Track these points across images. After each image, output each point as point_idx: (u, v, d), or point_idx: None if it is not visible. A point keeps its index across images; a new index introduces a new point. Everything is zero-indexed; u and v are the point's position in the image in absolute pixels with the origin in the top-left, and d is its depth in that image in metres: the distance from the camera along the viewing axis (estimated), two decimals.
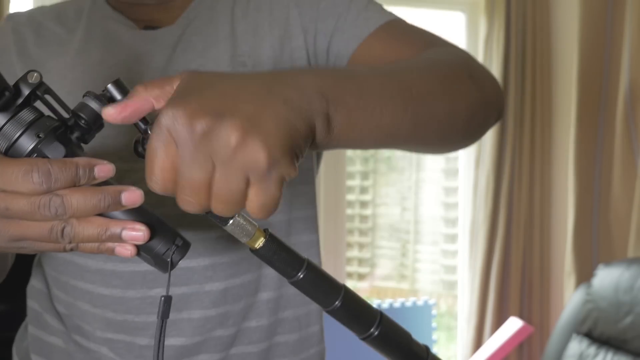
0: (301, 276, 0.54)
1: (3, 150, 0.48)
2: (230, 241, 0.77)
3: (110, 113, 0.47)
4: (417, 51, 0.74)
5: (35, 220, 0.46)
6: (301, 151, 0.46)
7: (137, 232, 0.47)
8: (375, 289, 3.82)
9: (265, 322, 0.80)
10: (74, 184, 0.46)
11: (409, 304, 2.47)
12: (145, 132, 0.50)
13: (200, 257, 0.75)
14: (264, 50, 0.79)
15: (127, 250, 0.49)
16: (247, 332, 0.80)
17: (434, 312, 2.49)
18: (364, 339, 0.58)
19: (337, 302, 0.55)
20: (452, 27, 2.77)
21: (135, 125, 0.50)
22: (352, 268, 3.72)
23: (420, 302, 2.50)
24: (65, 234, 0.46)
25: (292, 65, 0.81)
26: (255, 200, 0.44)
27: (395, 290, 3.57)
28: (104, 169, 0.47)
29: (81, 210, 0.46)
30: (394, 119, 0.56)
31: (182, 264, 0.72)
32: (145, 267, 0.73)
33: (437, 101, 0.61)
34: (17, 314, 0.91)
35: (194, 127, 0.42)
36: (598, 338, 1.96)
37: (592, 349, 1.95)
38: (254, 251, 0.53)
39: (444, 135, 0.65)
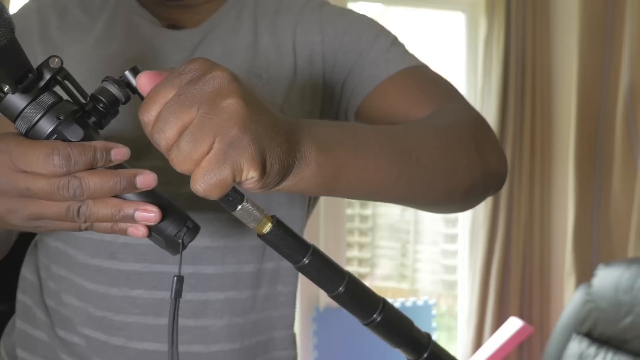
0: (306, 261, 0.55)
1: (24, 132, 0.49)
2: (235, 227, 0.78)
3: (143, 80, 0.48)
4: (432, 104, 0.74)
5: (53, 200, 0.48)
6: (264, 170, 0.47)
7: (149, 213, 0.49)
8: (375, 289, 3.80)
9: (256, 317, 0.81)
10: (92, 167, 0.48)
11: (409, 304, 2.47)
12: None
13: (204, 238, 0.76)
14: (282, 69, 0.80)
15: (139, 230, 0.51)
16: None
17: (434, 312, 2.49)
18: (367, 325, 0.59)
19: (341, 288, 0.57)
20: (452, 27, 2.77)
21: None
22: (352, 268, 3.72)
23: (420, 302, 2.50)
24: (81, 213, 0.48)
25: (306, 89, 0.80)
26: (205, 167, 0.45)
27: (395, 290, 3.58)
28: (120, 152, 0.49)
29: (98, 192, 0.48)
30: (387, 180, 0.58)
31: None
32: (129, 266, 0.75)
33: (437, 169, 0.62)
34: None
35: (199, 71, 0.46)
36: (598, 338, 1.96)
37: (592, 349, 1.95)
38: (261, 236, 0.54)
39: (438, 202, 0.66)
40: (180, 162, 0.45)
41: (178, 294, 0.52)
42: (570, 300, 2.14)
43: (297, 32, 0.82)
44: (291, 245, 0.55)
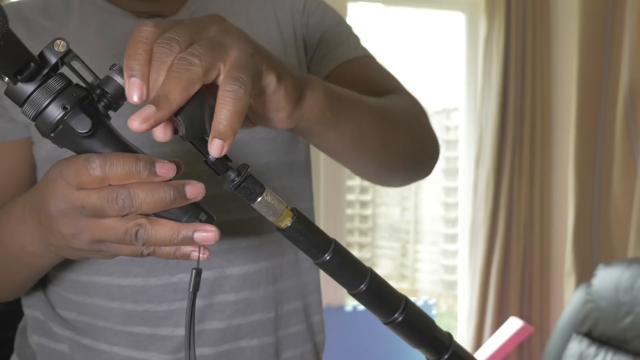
0: (327, 258, 0.54)
1: (31, 117, 0.48)
2: (250, 225, 0.78)
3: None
4: (381, 90, 0.83)
5: (107, 215, 0.48)
6: (260, 77, 0.50)
7: (209, 233, 0.49)
8: None
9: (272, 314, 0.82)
10: (137, 179, 0.47)
11: None
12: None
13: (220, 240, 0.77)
14: (270, 43, 0.81)
15: (204, 254, 0.50)
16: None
17: (434, 312, 2.49)
18: (387, 324, 0.58)
19: (362, 286, 0.55)
20: (452, 27, 2.77)
21: None
22: None
23: (420, 302, 2.50)
24: (139, 236, 0.48)
25: (294, 64, 0.84)
26: (233, 64, 0.47)
27: None
28: (165, 167, 0.48)
29: (147, 202, 0.47)
30: (369, 128, 0.67)
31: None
32: None
33: (399, 131, 0.73)
34: (16, 314, 0.90)
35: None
36: (598, 338, 1.96)
37: (592, 349, 1.95)
38: (281, 230, 0.53)
39: (389, 165, 0.77)
40: (179, 84, 0.45)
41: (197, 287, 0.51)
42: (570, 300, 2.14)
43: (275, 9, 0.86)
44: (312, 241, 0.53)
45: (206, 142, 0.48)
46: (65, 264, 0.79)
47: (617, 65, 2.34)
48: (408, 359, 2.46)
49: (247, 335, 0.79)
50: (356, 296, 0.56)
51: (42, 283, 0.82)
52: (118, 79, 0.49)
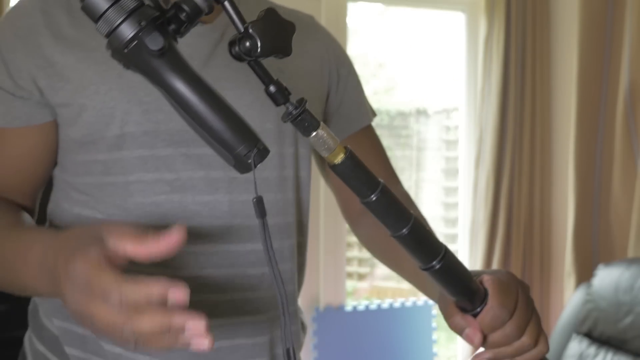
0: (374, 198, 0.56)
1: (105, 34, 0.49)
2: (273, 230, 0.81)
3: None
4: (384, 161, 1.00)
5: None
6: None
7: (198, 328, 0.50)
8: (375, 288, 3.81)
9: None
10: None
11: (409, 304, 2.47)
12: None
13: (245, 243, 0.80)
14: (298, 68, 0.87)
15: (203, 345, 0.50)
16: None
17: (434, 312, 2.49)
18: (425, 269, 0.60)
19: (404, 230, 0.57)
20: (452, 27, 2.77)
21: None
22: (352, 268, 3.72)
23: (420, 302, 2.50)
24: (127, 332, 0.50)
25: (317, 92, 0.91)
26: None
27: (395, 290, 3.57)
28: (178, 294, 0.51)
29: (147, 330, 0.50)
30: None
31: (224, 247, 0.77)
32: (197, 249, 0.78)
33: None
34: (16, 313, 0.90)
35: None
36: (598, 338, 1.96)
37: (592, 349, 1.95)
38: (332, 166, 0.55)
39: None
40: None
41: (263, 213, 0.53)
42: (570, 300, 2.14)
43: (304, 40, 0.89)
44: (361, 179, 0.55)
45: (266, 74, 0.53)
46: None
47: (617, 65, 2.34)
48: (407, 359, 2.46)
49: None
50: (398, 239, 0.58)
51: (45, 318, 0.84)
52: None
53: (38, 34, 0.78)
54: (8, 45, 0.78)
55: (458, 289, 0.62)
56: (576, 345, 2.00)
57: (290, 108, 0.54)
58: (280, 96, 0.54)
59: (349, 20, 2.45)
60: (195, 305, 0.76)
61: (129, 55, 0.50)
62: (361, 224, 0.99)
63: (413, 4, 2.67)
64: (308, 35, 0.92)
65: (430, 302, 2.50)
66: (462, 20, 2.65)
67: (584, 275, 2.33)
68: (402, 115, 3.10)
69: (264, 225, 0.53)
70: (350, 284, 3.65)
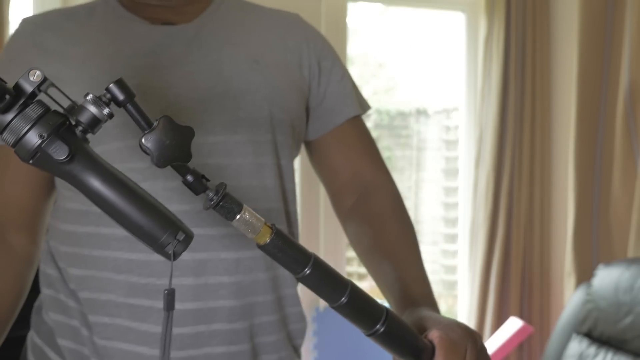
0: (307, 272, 0.55)
1: (11, 144, 0.50)
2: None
3: None
4: (373, 153, 0.98)
5: None
6: None
7: None
8: (375, 288, 3.81)
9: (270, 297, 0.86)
10: None
11: None
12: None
13: (218, 226, 0.81)
14: (275, 59, 0.91)
15: None
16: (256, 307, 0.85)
17: None
18: (369, 335, 0.58)
19: (343, 299, 0.57)
20: (452, 27, 2.76)
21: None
22: (352, 268, 3.72)
23: None
24: None
25: (296, 83, 0.92)
26: None
27: None
28: None
29: None
30: None
31: (202, 231, 0.78)
32: None
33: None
34: (21, 314, 0.91)
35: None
36: (598, 338, 1.96)
37: (592, 349, 1.95)
38: (260, 247, 0.54)
39: None
40: None
41: (170, 306, 0.53)
42: (570, 300, 2.13)
43: (286, 36, 0.94)
44: (291, 256, 0.55)
45: (181, 165, 0.53)
46: (74, 242, 0.84)
47: (617, 65, 2.34)
48: None
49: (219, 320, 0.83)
50: (337, 309, 0.59)
51: (56, 262, 0.87)
52: (91, 108, 0.51)
53: (27, 52, 0.87)
54: (3, 68, 0.88)
55: (405, 350, 0.60)
56: (576, 345, 2.00)
57: (211, 195, 0.54)
58: (198, 185, 0.54)
59: (349, 20, 2.45)
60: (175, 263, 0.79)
61: (36, 164, 0.50)
62: (349, 222, 1.01)
63: (413, 4, 2.67)
64: (290, 30, 0.96)
65: None
66: (462, 20, 2.65)
67: (584, 275, 2.33)
68: (402, 115, 3.10)
69: (168, 318, 0.54)
70: None
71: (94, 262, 0.83)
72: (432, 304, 0.81)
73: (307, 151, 1.02)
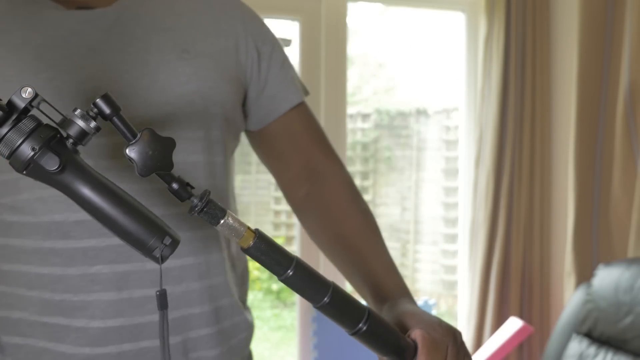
0: (290, 274, 0.57)
1: (6, 156, 0.53)
2: (184, 222, 0.78)
3: None
4: (321, 138, 0.94)
5: None
6: None
7: None
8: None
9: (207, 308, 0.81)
10: None
11: None
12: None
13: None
14: (207, 47, 0.84)
15: None
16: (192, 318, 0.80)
17: (434, 312, 2.49)
18: (353, 334, 0.60)
19: (325, 299, 0.59)
20: (452, 27, 2.77)
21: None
22: None
23: (420, 302, 2.50)
24: None
25: (232, 72, 0.85)
26: None
27: None
28: None
29: None
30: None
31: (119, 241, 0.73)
32: (85, 243, 0.74)
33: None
34: None
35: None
36: (598, 338, 1.96)
37: (592, 349, 1.95)
38: (244, 250, 0.57)
39: None
40: None
41: (164, 306, 0.56)
42: (570, 300, 2.14)
43: (220, 18, 0.86)
44: (274, 259, 0.57)
45: (166, 174, 0.56)
46: None
47: (617, 65, 2.34)
48: None
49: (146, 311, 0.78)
50: (320, 309, 0.60)
51: None
52: (79, 122, 0.54)
53: None
54: None
55: (388, 348, 0.63)
56: (576, 345, 2.00)
57: (196, 201, 0.56)
58: (183, 192, 0.57)
59: (349, 20, 2.45)
60: (93, 276, 0.74)
61: (30, 175, 0.54)
62: (305, 212, 0.94)
63: (413, 4, 2.67)
64: (224, 13, 0.88)
65: (430, 301, 2.50)
66: (462, 20, 2.65)
67: (584, 275, 2.33)
68: (402, 115, 3.10)
69: (164, 318, 0.55)
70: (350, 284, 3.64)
71: (3, 277, 0.77)
72: (406, 293, 0.80)
73: (252, 142, 0.96)
